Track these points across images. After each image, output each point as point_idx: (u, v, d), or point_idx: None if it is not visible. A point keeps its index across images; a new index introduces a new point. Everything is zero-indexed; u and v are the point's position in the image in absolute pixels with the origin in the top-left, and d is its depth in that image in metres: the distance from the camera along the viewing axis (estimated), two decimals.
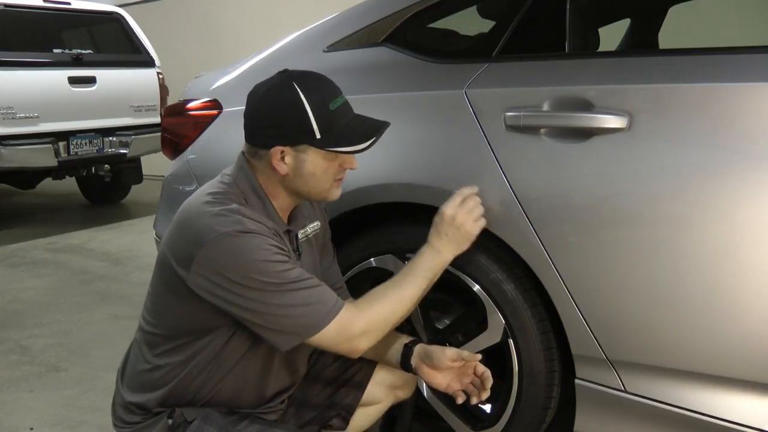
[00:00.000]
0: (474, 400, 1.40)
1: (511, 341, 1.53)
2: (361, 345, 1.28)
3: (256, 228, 1.22)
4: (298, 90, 1.24)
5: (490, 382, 1.38)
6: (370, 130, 1.29)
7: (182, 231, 1.26)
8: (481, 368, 1.39)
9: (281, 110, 1.25)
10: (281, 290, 1.21)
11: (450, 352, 1.39)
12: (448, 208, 1.41)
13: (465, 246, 1.42)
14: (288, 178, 1.29)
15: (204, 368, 1.31)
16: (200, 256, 1.20)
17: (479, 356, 1.39)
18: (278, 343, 1.25)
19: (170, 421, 1.30)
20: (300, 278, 1.24)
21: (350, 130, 1.27)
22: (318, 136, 1.24)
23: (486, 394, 1.39)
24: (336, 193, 1.34)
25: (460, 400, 1.41)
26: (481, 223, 1.43)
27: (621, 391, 1.44)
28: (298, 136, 1.25)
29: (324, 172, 1.29)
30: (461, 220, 1.40)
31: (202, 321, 1.28)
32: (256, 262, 1.20)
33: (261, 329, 1.24)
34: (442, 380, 1.42)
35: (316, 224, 1.48)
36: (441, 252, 1.40)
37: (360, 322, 1.27)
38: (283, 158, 1.26)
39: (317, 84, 1.27)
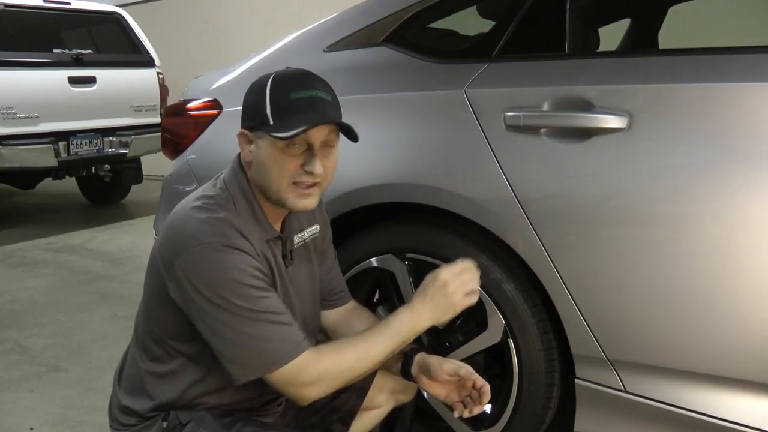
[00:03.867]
0: (465, 414, 1.36)
1: (511, 341, 1.53)
2: (309, 394, 1.22)
3: (240, 244, 1.19)
4: (270, 77, 1.23)
5: (487, 398, 1.35)
6: (312, 120, 1.19)
7: (169, 235, 1.24)
8: (481, 382, 1.35)
9: (249, 94, 1.25)
10: (247, 317, 1.17)
11: (447, 366, 1.35)
12: (444, 273, 1.32)
13: (446, 317, 1.33)
14: (252, 168, 1.26)
15: (196, 374, 1.29)
16: (179, 263, 1.17)
17: (476, 375, 1.35)
18: (232, 375, 1.20)
19: (165, 424, 1.29)
20: (270, 310, 1.19)
21: (297, 118, 1.18)
22: (271, 122, 1.20)
23: (479, 410, 1.35)
24: (296, 201, 1.24)
25: (457, 414, 1.39)
26: (470, 300, 1.34)
27: (621, 391, 1.44)
28: (254, 120, 1.23)
29: (275, 163, 1.21)
30: (453, 289, 1.30)
31: (188, 328, 1.24)
32: (231, 281, 1.16)
33: (219, 355, 1.20)
34: (441, 391, 1.40)
35: (315, 228, 1.45)
36: (419, 316, 1.30)
37: (314, 370, 1.21)
38: (249, 142, 1.25)
39: (292, 75, 1.24)
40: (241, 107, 1.30)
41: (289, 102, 1.19)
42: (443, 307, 1.31)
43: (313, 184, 1.24)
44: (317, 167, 1.21)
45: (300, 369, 1.20)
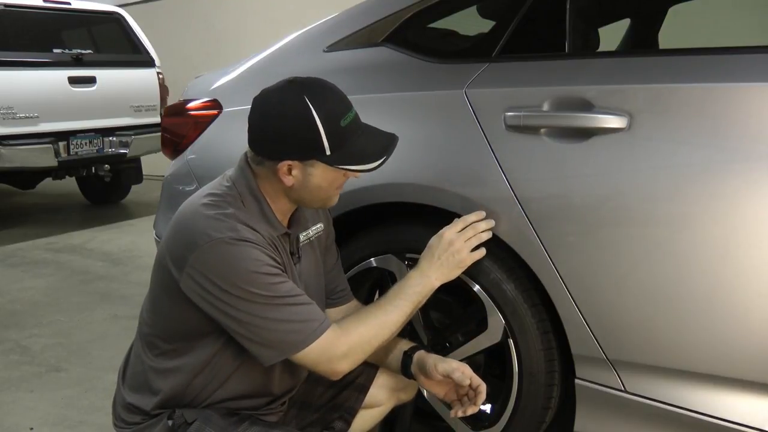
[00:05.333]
0: (459, 413, 1.39)
1: (511, 341, 1.53)
2: (341, 367, 1.27)
3: (251, 237, 1.21)
4: (310, 105, 1.21)
5: (482, 398, 1.37)
6: (381, 148, 1.28)
7: (178, 232, 1.26)
8: (477, 382, 1.38)
9: (291, 125, 1.22)
10: (269, 303, 1.20)
11: (441, 367, 1.38)
12: (448, 233, 1.41)
13: (455, 274, 1.42)
14: (293, 188, 1.28)
15: (201, 371, 1.30)
16: (193, 259, 1.19)
17: (468, 381, 1.37)
18: (261, 357, 1.24)
19: (170, 422, 1.30)
20: (290, 293, 1.23)
21: (361, 147, 1.26)
22: (328, 152, 1.23)
23: (473, 410, 1.38)
24: (335, 200, 1.35)
25: (453, 413, 1.41)
26: (477, 255, 1.43)
27: (621, 391, 1.44)
28: (308, 152, 1.23)
29: (330, 184, 1.29)
30: (458, 247, 1.39)
31: (196, 324, 1.27)
32: (247, 272, 1.19)
33: (245, 340, 1.23)
34: (439, 390, 1.43)
35: (319, 226, 1.47)
36: (429, 277, 1.39)
37: (343, 344, 1.26)
38: (290, 171, 1.25)
39: (329, 98, 1.25)
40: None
41: (341, 129, 1.24)
42: (451, 264, 1.40)
43: None
44: (359, 174, 1.31)
45: (328, 345, 1.24)
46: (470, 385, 1.38)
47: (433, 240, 1.42)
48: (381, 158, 1.28)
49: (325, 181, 1.28)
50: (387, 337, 1.33)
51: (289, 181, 1.26)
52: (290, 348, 1.23)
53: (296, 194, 1.30)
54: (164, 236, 1.31)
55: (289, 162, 1.24)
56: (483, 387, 1.37)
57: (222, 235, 1.19)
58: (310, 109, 1.21)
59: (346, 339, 1.27)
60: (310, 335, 1.22)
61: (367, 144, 1.27)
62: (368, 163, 1.26)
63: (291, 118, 1.22)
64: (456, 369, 1.37)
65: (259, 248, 1.21)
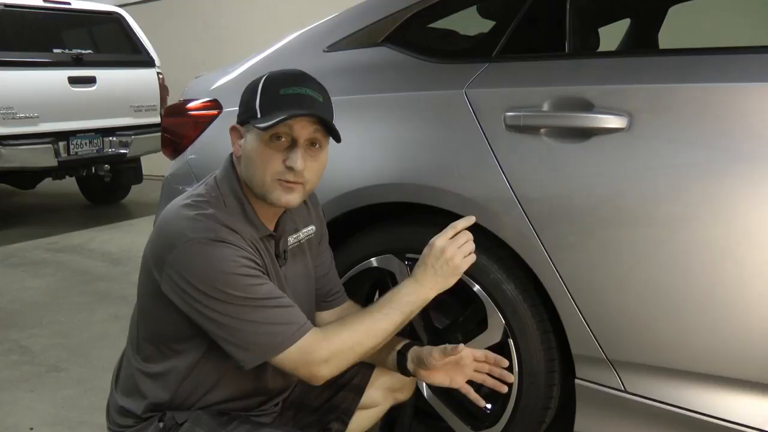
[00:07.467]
0: (503, 390, 1.37)
1: (511, 341, 1.53)
2: (322, 372, 1.23)
3: (229, 238, 1.19)
4: (265, 75, 1.25)
5: (505, 363, 1.36)
6: (290, 113, 1.19)
7: (159, 233, 1.24)
8: (481, 354, 1.37)
9: (245, 92, 1.27)
10: (247, 305, 1.17)
11: (435, 351, 1.36)
12: (439, 240, 1.34)
13: (451, 281, 1.35)
14: (241, 162, 1.26)
15: (189, 374, 1.29)
16: (170, 260, 1.18)
17: (461, 346, 1.33)
18: (240, 360, 1.21)
19: (161, 425, 1.29)
20: (269, 295, 1.20)
21: (282, 111, 1.18)
22: (258, 115, 1.21)
23: (510, 378, 1.36)
24: (281, 197, 1.23)
25: (472, 396, 1.39)
26: (470, 260, 1.36)
27: (621, 391, 1.44)
28: (245, 114, 1.25)
29: (259, 157, 1.22)
30: (450, 254, 1.33)
31: (180, 326, 1.25)
32: (224, 273, 1.16)
33: (224, 342, 1.20)
34: (444, 378, 1.40)
35: (311, 229, 1.45)
36: (423, 286, 1.33)
37: (324, 349, 1.22)
38: (240, 139, 1.27)
39: (287, 74, 1.26)
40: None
41: (278, 97, 1.21)
42: (445, 273, 1.34)
43: (297, 182, 1.24)
44: (298, 162, 1.20)
45: (308, 348, 1.21)
46: (476, 359, 1.37)
47: (425, 250, 1.36)
48: (277, 118, 1.17)
49: (253, 151, 1.22)
50: (373, 345, 1.28)
51: (237, 149, 1.27)
52: (267, 351, 1.19)
53: (242, 169, 1.26)
54: (148, 238, 1.30)
55: (236, 125, 1.27)
56: (497, 356, 1.37)
57: (199, 235, 1.17)
58: (262, 77, 1.24)
59: (328, 344, 1.22)
60: (289, 338, 1.19)
61: (285, 109, 1.19)
62: (266, 121, 1.17)
63: (247, 87, 1.27)
64: (448, 344, 1.36)
65: (237, 249, 1.19)
